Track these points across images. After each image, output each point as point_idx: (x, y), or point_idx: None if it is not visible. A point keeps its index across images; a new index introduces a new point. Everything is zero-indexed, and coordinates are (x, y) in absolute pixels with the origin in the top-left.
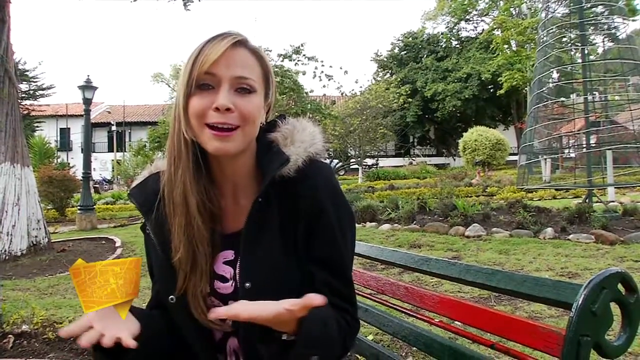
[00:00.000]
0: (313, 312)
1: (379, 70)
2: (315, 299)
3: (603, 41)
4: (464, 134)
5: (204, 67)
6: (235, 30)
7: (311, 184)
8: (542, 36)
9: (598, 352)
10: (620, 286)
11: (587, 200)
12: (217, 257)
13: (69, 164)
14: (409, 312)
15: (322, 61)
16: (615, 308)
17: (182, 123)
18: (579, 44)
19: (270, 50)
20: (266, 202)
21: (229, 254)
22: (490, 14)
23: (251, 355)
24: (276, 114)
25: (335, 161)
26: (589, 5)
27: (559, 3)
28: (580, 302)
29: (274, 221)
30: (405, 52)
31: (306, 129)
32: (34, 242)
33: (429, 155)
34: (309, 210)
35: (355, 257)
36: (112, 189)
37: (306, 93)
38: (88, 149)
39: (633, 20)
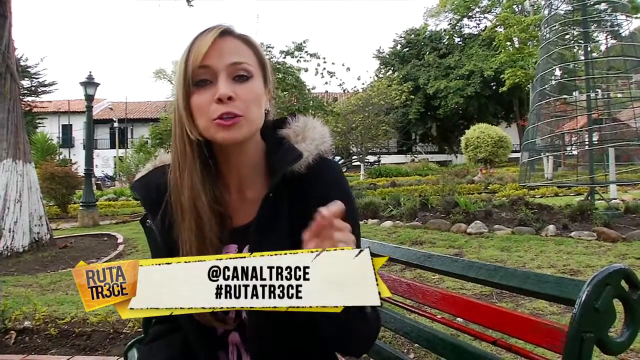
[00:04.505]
0: None
1: (381, 67)
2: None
3: (606, 38)
4: (466, 131)
5: (196, 62)
6: (220, 22)
7: (322, 180)
8: (544, 33)
9: (601, 348)
10: (623, 283)
11: (589, 198)
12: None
13: (71, 160)
14: (411, 308)
15: (324, 58)
16: (618, 305)
17: (185, 124)
18: (582, 41)
19: (273, 47)
20: (276, 197)
21: (232, 249)
22: (492, 10)
23: (255, 349)
24: (279, 111)
25: (337, 158)
26: (592, 2)
27: (562, 0)
28: (583, 298)
29: (283, 216)
30: (407, 49)
31: (316, 127)
32: (36, 239)
33: (431, 153)
34: (320, 207)
35: None
36: (114, 186)
37: (308, 90)
38: (90, 145)
39: (636, 18)
